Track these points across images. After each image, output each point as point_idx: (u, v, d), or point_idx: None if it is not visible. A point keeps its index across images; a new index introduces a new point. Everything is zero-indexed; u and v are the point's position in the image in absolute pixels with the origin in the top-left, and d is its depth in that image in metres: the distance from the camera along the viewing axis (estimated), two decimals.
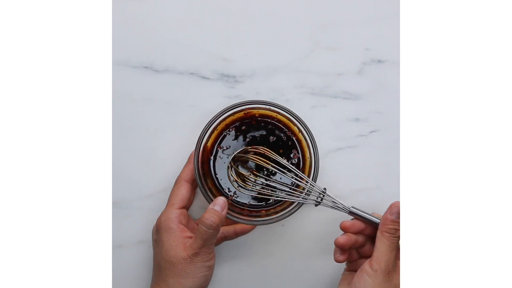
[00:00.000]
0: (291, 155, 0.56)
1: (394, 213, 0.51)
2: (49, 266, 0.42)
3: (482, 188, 0.43)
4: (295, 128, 0.56)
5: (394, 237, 0.50)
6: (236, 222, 0.54)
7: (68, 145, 0.44)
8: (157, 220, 0.54)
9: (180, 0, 0.60)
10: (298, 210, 0.54)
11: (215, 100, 0.60)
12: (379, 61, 0.61)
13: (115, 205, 0.59)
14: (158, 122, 0.60)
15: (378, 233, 0.51)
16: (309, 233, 0.60)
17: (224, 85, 0.60)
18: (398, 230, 0.50)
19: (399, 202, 0.51)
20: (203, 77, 0.61)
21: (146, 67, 0.60)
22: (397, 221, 0.50)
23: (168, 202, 0.55)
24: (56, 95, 0.44)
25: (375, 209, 0.59)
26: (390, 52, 0.61)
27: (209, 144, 0.56)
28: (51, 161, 0.43)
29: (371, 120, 0.61)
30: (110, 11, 0.46)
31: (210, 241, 0.50)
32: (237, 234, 0.57)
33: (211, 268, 0.51)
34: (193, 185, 0.56)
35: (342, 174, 0.60)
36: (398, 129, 0.60)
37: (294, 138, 0.56)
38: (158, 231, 0.53)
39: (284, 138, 0.56)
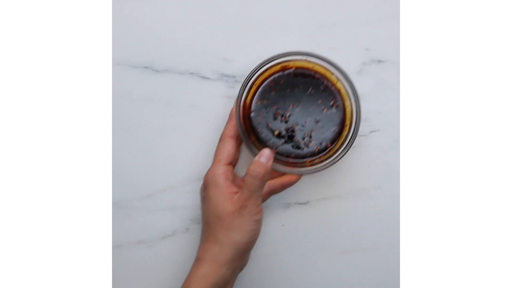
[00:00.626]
0: (331, 104, 0.56)
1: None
2: (50, 266, 0.42)
3: (482, 187, 0.43)
4: (333, 78, 0.56)
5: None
6: (282, 174, 0.55)
7: (68, 145, 0.44)
8: (204, 178, 0.54)
9: (180, 0, 0.60)
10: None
11: (215, 100, 0.60)
12: (379, 61, 0.61)
13: (115, 205, 0.59)
14: (158, 122, 0.60)
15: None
16: (309, 233, 0.60)
17: (224, 85, 0.60)
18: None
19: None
20: (203, 77, 0.61)
21: (146, 67, 0.60)
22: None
23: (214, 159, 0.55)
24: (56, 95, 0.44)
25: (375, 209, 0.59)
26: (390, 52, 0.61)
27: (248, 99, 0.56)
28: (51, 161, 0.43)
29: (371, 120, 0.61)
30: (110, 11, 0.46)
31: (257, 193, 0.50)
32: (283, 187, 0.57)
33: (259, 222, 0.51)
34: (238, 141, 0.56)
35: (342, 174, 0.60)
36: (398, 129, 0.60)
37: (332, 88, 0.56)
38: (206, 188, 0.53)
39: (322, 89, 0.56)
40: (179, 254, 0.60)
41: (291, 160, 0.56)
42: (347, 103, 0.56)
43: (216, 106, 0.59)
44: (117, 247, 0.59)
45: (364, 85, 0.61)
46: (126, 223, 0.59)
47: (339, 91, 0.56)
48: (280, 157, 0.56)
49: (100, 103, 0.45)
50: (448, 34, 0.44)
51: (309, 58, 0.56)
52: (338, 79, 0.56)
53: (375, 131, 0.61)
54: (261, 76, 0.56)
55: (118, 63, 0.60)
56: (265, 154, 0.51)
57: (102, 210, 0.44)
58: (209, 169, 0.54)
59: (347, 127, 0.56)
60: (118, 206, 0.60)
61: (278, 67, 0.56)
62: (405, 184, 0.44)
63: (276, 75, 0.56)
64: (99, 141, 0.45)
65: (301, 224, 0.60)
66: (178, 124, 0.60)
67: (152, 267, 0.59)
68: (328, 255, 0.60)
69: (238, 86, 0.60)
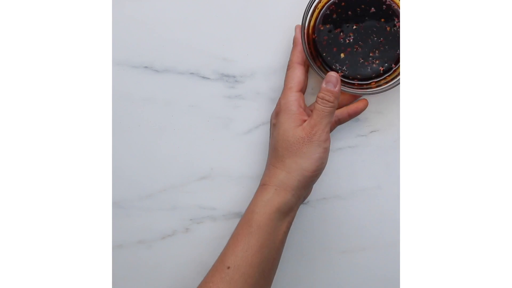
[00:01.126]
0: (394, 23, 0.56)
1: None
2: (49, 266, 0.42)
3: (482, 188, 0.43)
4: None
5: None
6: (350, 102, 0.57)
7: (68, 145, 0.44)
8: (276, 105, 0.55)
9: (180, 0, 0.60)
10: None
11: (215, 100, 0.60)
12: None
13: (115, 205, 0.59)
14: (158, 122, 0.60)
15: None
16: (309, 233, 0.60)
17: (224, 85, 0.60)
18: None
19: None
20: (203, 77, 0.61)
21: (146, 67, 0.60)
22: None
23: (285, 86, 0.55)
24: (56, 95, 0.44)
25: (375, 209, 0.59)
26: None
27: (311, 24, 0.56)
28: (51, 161, 0.43)
29: (371, 120, 0.61)
30: (110, 11, 0.46)
31: (327, 120, 0.51)
32: (350, 116, 0.57)
33: (326, 151, 0.51)
34: (305, 67, 0.56)
35: (342, 174, 0.60)
36: (398, 129, 0.60)
37: (395, 7, 0.56)
38: (278, 114, 0.54)
39: (385, 8, 0.56)
40: (179, 254, 0.60)
41: (356, 82, 0.57)
42: None
43: (216, 106, 0.59)
44: (117, 247, 0.59)
45: None
46: (126, 223, 0.59)
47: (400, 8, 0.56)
48: (345, 79, 0.56)
49: (100, 103, 0.45)
50: (448, 35, 0.44)
51: None
52: None
53: (375, 131, 0.61)
54: (322, 0, 0.56)
55: (118, 63, 0.60)
56: (332, 80, 0.52)
57: (102, 210, 0.44)
58: (281, 97, 0.54)
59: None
60: (118, 206, 0.60)
61: None
62: (405, 184, 0.44)
63: None
64: (99, 141, 0.45)
65: (301, 224, 0.60)
66: (178, 124, 0.60)
67: (152, 267, 0.59)
68: (328, 255, 0.60)
69: (238, 86, 0.60)
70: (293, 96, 0.53)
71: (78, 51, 0.44)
